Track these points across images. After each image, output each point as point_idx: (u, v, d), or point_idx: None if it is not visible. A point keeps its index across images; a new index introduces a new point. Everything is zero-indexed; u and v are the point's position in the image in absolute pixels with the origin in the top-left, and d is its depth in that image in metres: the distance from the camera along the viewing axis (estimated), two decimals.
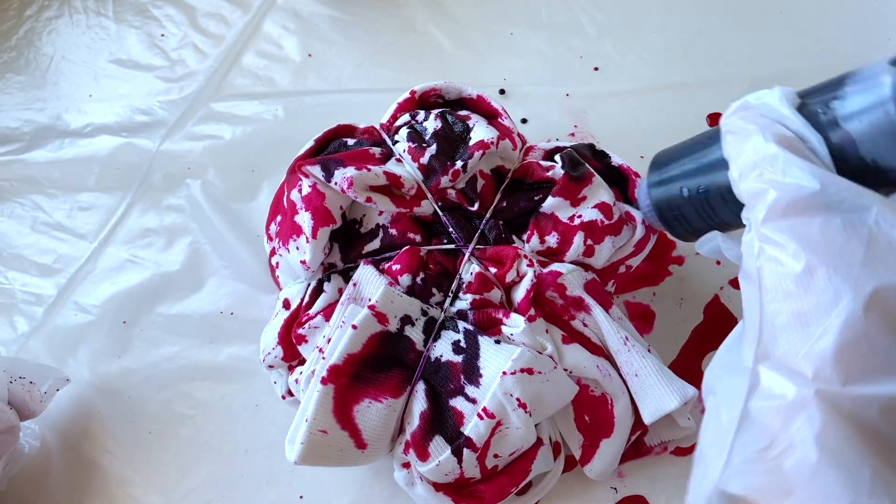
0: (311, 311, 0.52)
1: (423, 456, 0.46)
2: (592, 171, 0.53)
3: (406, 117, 0.57)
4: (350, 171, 0.50)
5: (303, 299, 0.53)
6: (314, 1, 0.79)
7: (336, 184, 0.50)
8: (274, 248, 0.55)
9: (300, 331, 0.51)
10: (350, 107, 0.72)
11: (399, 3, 0.78)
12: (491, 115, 0.58)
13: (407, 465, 0.48)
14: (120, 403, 0.59)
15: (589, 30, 0.75)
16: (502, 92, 0.72)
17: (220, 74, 0.74)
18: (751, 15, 0.75)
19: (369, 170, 0.50)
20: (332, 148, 0.56)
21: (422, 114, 0.56)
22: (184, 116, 0.72)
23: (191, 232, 0.66)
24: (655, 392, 0.48)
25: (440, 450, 0.46)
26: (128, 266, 0.65)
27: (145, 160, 0.69)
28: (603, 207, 0.51)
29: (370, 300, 0.48)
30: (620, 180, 0.56)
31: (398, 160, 0.54)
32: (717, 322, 0.58)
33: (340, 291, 0.52)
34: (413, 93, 0.58)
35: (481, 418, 0.45)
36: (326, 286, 0.52)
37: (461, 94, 0.59)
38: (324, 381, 0.45)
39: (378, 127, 0.58)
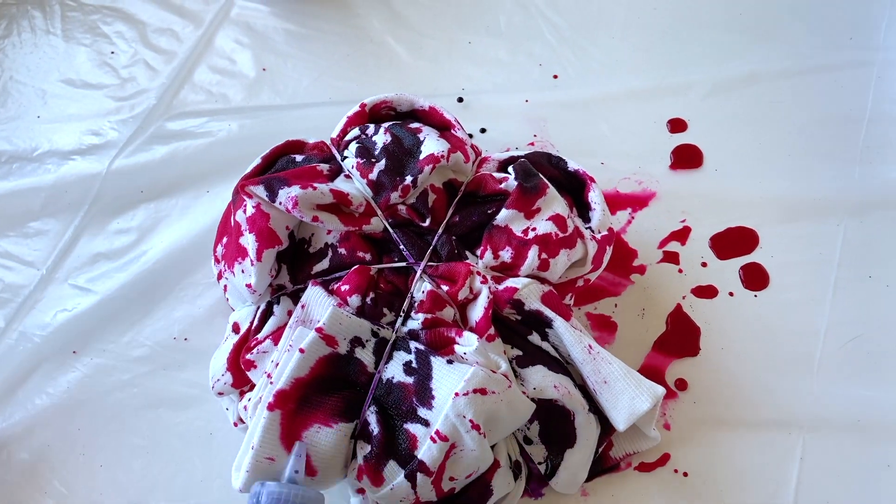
0: (260, 336, 0.50)
1: (377, 481, 0.44)
2: (546, 181, 0.51)
3: (356, 131, 0.55)
4: (295, 190, 0.48)
5: (252, 323, 0.51)
6: (268, 14, 0.77)
7: (281, 203, 0.48)
8: (221, 271, 0.54)
9: (248, 356, 0.50)
10: (306, 121, 0.70)
11: (355, 13, 0.77)
12: (443, 127, 0.56)
13: (361, 491, 0.46)
14: (69, 436, 0.57)
15: (549, 37, 0.74)
16: (461, 100, 0.71)
17: (172, 92, 0.72)
18: (712, 18, 0.74)
19: (315, 188, 0.49)
20: (279, 165, 0.54)
21: (371, 128, 0.55)
22: (134, 136, 0.70)
23: (142, 256, 0.64)
24: (627, 396, 0.47)
25: (394, 474, 0.44)
26: (77, 293, 0.63)
27: (95, 183, 0.67)
28: (557, 220, 0.50)
29: (318, 322, 0.46)
30: (578, 186, 0.55)
31: (347, 176, 0.52)
32: (680, 331, 0.57)
33: (290, 314, 0.50)
34: (363, 106, 0.56)
35: (434, 441, 0.43)
36: (276, 308, 0.51)
37: (413, 106, 0.58)
38: (270, 408, 0.44)
39: (328, 142, 0.56)
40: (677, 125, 0.67)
